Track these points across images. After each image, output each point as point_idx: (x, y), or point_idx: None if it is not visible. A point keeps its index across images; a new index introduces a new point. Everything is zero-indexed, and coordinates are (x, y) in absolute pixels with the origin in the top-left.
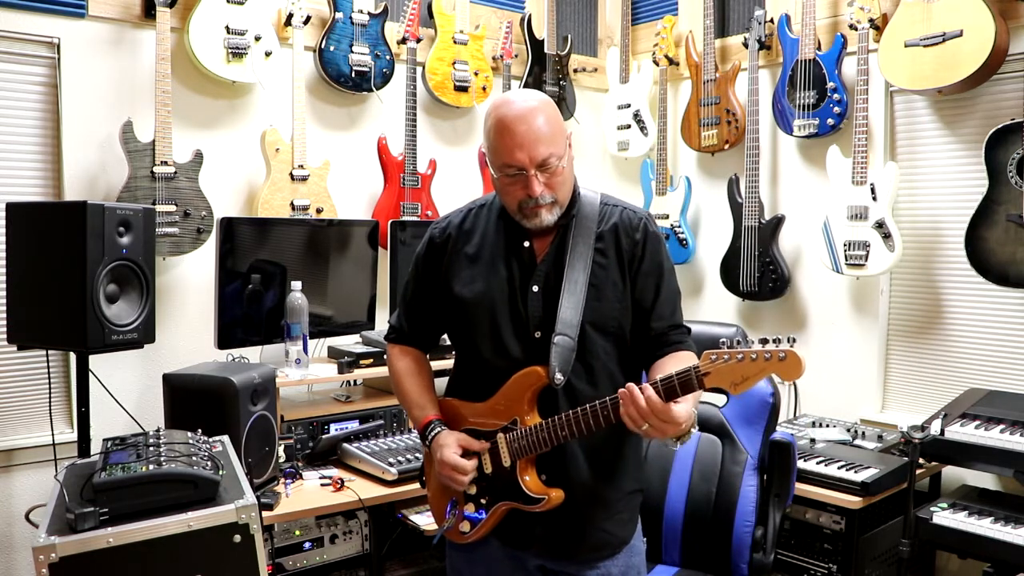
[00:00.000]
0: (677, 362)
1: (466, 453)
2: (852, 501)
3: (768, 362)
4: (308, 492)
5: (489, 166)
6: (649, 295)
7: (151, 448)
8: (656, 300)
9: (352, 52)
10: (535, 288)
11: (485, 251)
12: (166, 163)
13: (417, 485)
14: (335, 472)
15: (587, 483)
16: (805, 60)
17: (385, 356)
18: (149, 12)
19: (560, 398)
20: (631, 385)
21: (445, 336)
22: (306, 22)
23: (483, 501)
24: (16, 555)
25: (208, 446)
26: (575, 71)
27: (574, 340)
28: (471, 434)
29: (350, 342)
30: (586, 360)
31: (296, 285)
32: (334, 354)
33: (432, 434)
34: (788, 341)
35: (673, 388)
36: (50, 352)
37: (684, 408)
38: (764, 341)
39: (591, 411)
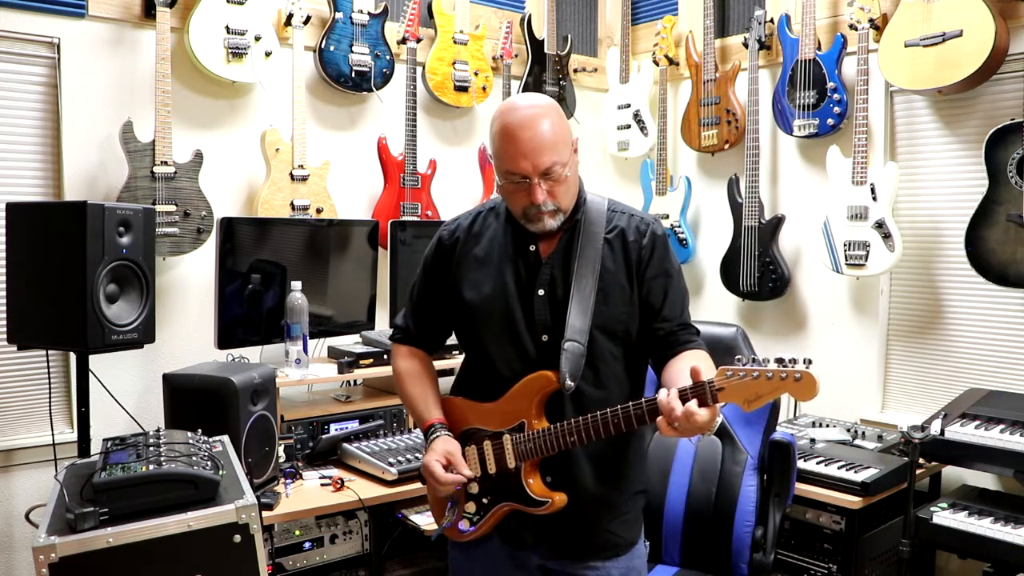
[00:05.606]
0: (688, 360)
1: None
2: (852, 501)
3: (783, 382)
4: (308, 492)
5: (494, 170)
6: (658, 297)
7: (151, 448)
8: (664, 302)
9: (352, 52)
10: (541, 292)
11: (493, 254)
12: (166, 163)
13: (417, 485)
14: (335, 472)
15: (592, 485)
16: (805, 60)
17: (386, 356)
18: (149, 12)
19: (567, 402)
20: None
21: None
22: (306, 22)
23: (484, 501)
24: (16, 555)
25: (208, 446)
26: (575, 71)
27: (583, 345)
28: (474, 434)
29: (350, 342)
30: (594, 364)
31: (296, 285)
32: (334, 354)
33: (432, 438)
34: (804, 362)
35: (686, 400)
36: (50, 352)
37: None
38: (780, 361)
39: (601, 419)
